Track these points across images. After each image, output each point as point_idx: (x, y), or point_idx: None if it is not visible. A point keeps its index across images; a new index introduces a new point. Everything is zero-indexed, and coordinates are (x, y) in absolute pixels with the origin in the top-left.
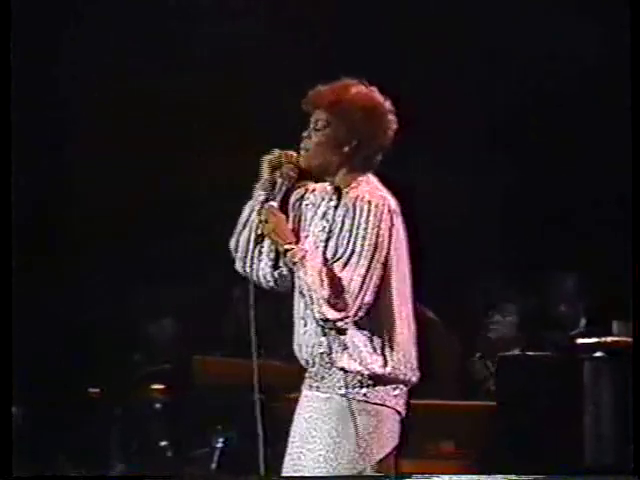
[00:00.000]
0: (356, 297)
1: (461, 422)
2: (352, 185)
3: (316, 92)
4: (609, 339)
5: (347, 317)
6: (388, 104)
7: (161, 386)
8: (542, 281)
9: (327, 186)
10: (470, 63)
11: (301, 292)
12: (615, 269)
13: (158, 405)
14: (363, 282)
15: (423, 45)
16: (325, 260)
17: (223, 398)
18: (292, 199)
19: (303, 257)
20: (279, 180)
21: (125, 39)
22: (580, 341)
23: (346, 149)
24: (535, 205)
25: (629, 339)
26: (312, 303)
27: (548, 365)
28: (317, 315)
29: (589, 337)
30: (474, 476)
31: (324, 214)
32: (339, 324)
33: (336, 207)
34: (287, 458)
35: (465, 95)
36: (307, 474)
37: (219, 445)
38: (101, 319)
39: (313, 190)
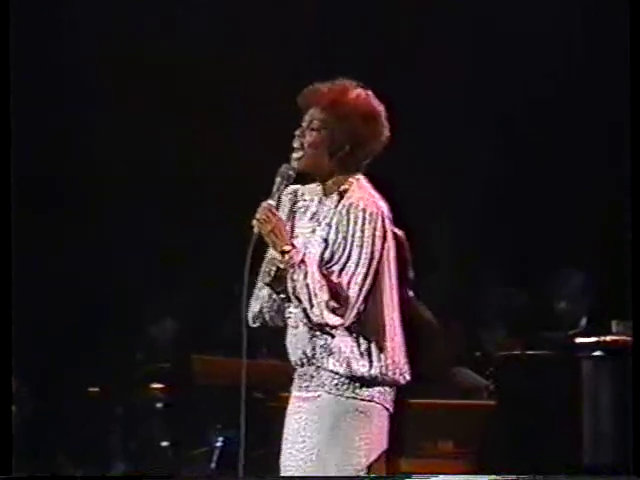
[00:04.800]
0: (354, 305)
1: (460, 421)
2: (344, 187)
3: (313, 90)
4: (609, 338)
5: (343, 324)
6: (383, 110)
7: (161, 386)
8: (542, 280)
9: (316, 186)
10: (465, 55)
11: (296, 295)
12: (615, 268)
13: (158, 404)
14: (361, 290)
15: (416, 37)
16: (320, 265)
17: (223, 398)
18: (283, 203)
19: (302, 260)
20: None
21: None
22: (580, 340)
23: (340, 154)
24: (536, 204)
25: (628, 338)
26: (312, 307)
27: (548, 364)
28: (315, 319)
29: (589, 336)
30: (473, 476)
31: (313, 215)
32: (334, 330)
33: (329, 209)
34: (281, 459)
35: (459, 88)
36: (296, 473)
37: (219, 444)
38: (102, 319)
39: (302, 194)
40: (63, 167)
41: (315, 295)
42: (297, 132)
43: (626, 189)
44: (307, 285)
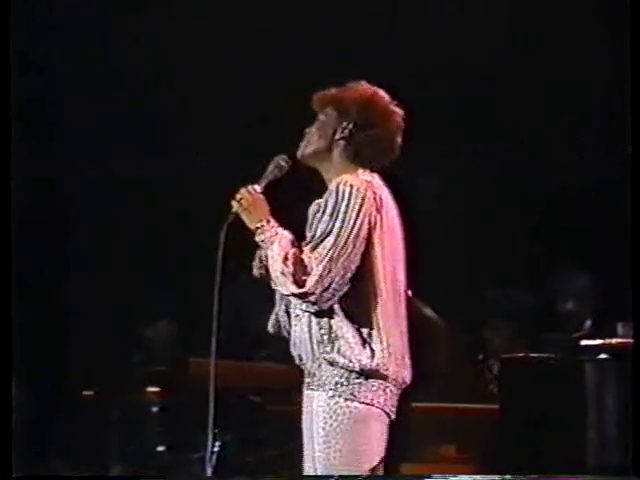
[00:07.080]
0: (320, 275)
1: (463, 425)
2: (342, 174)
3: (324, 92)
4: (613, 341)
5: (310, 294)
6: (393, 105)
7: (158, 389)
8: (546, 282)
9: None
10: (463, 51)
11: (269, 271)
12: (620, 269)
13: (154, 408)
14: (330, 260)
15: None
16: (301, 242)
17: (220, 401)
18: (311, 210)
19: (273, 235)
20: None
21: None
22: (584, 343)
23: (337, 136)
24: (539, 205)
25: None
26: (276, 277)
27: (552, 367)
28: (280, 289)
29: (593, 339)
30: (481, 476)
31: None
32: (305, 303)
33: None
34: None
35: (460, 87)
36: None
37: (215, 449)
38: (99, 321)
39: (320, 202)
40: (63, 170)
41: (278, 266)
42: (306, 130)
43: (628, 189)
44: (273, 258)
